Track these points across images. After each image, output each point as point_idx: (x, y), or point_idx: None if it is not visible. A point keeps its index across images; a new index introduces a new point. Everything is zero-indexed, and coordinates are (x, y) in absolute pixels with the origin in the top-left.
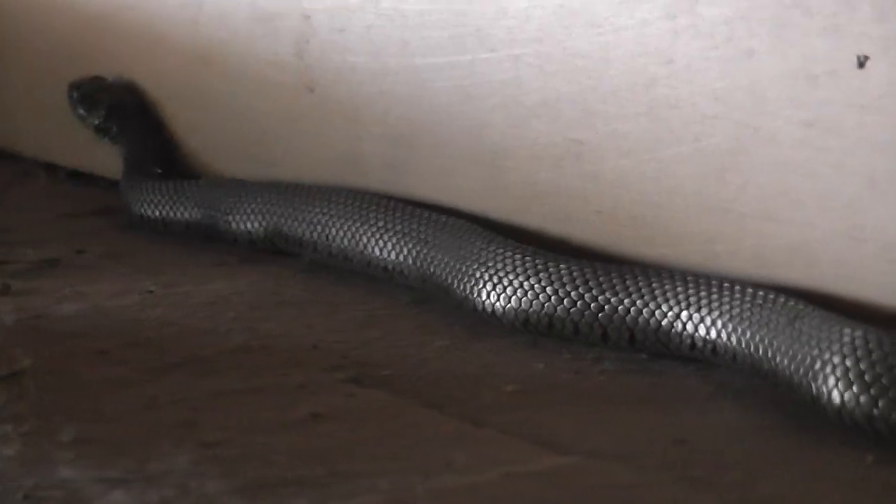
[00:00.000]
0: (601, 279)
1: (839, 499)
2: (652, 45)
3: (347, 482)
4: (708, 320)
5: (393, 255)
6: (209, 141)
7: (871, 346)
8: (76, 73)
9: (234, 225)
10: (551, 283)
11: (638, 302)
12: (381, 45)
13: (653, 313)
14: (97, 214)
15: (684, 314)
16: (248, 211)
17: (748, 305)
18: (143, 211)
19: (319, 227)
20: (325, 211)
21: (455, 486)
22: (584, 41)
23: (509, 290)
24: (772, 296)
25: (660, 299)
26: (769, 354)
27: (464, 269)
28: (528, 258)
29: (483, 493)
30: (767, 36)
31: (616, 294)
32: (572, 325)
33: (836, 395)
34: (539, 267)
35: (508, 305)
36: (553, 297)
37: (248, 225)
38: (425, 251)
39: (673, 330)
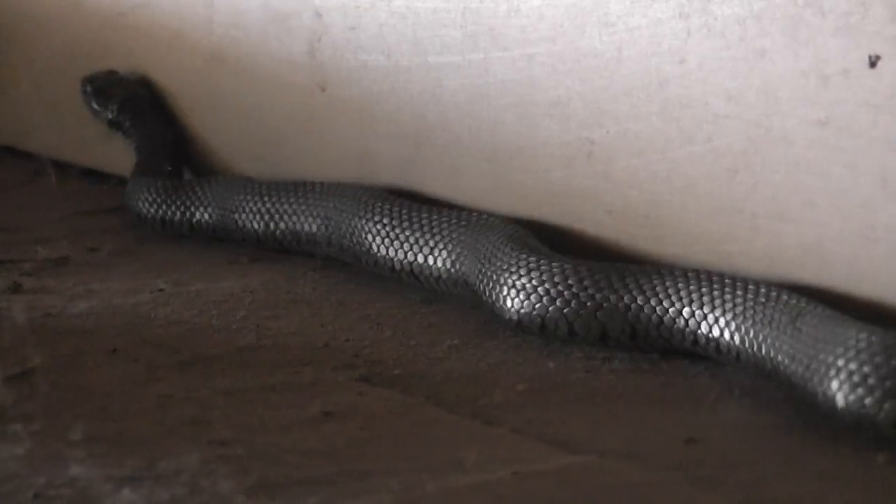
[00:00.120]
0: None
1: (849, 499)
2: (664, 45)
3: (358, 481)
4: (711, 317)
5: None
6: (222, 139)
7: (874, 348)
8: (90, 70)
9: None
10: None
11: (639, 299)
12: (394, 43)
13: (654, 310)
14: (109, 212)
15: (686, 311)
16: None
17: (751, 302)
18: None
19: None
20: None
21: (465, 484)
22: (596, 40)
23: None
24: (774, 292)
25: (661, 296)
26: (771, 353)
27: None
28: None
29: (493, 491)
30: (780, 35)
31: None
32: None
33: (838, 398)
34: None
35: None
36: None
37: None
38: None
39: (675, 327)
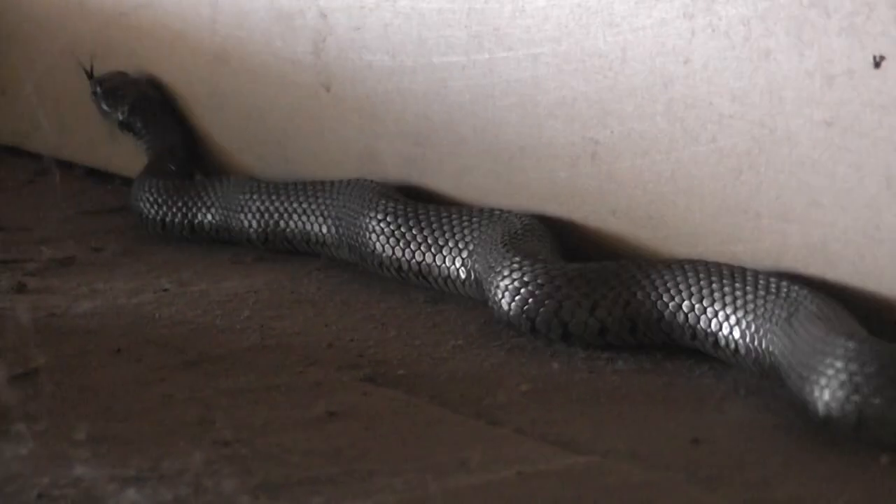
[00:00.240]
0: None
1: (852, 500)
2: (669, 45)
3: (362, 481)
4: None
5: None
6: (226, 139)
7: (864, 357)
8: (94, 70)
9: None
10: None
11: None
12: (399, 43)
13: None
14: (113, 212)
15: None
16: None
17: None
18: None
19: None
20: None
21: (469, 485)
22: (601, 40)
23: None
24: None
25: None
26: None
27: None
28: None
29: (498, 492)
30: (785, 36)
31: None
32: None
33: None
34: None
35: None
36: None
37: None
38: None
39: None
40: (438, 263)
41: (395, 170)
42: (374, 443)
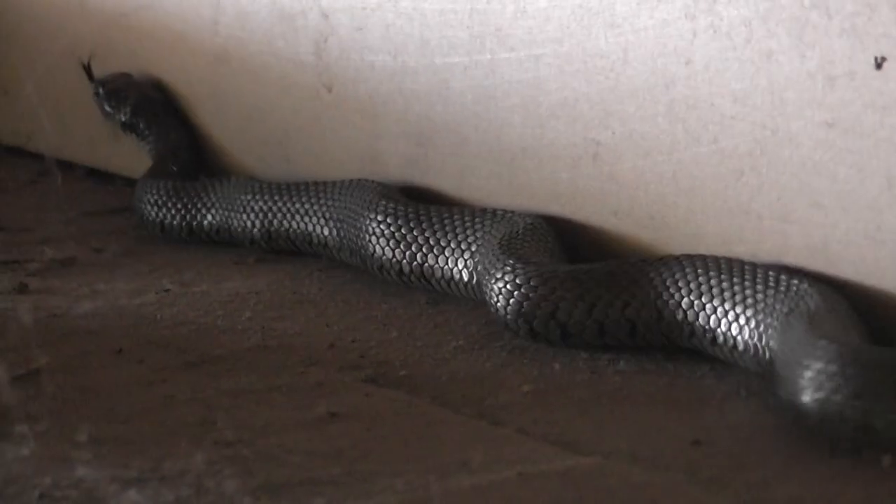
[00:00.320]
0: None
1: (854, 501)
2: (671, 46)
3: (364, 482)
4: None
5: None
6: (228, 139)
7: (828, 355)
8: (95, 71)
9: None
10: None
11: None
12: (401, 44)
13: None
14: (115, 213)
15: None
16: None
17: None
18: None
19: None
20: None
21: (471, 485)
22: (603, 41)
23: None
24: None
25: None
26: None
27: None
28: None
29: (499, 492)
30: (786, 37)
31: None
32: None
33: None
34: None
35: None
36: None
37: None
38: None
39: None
40: (441, 265)
41: (396, 170)
42: (375, 443)
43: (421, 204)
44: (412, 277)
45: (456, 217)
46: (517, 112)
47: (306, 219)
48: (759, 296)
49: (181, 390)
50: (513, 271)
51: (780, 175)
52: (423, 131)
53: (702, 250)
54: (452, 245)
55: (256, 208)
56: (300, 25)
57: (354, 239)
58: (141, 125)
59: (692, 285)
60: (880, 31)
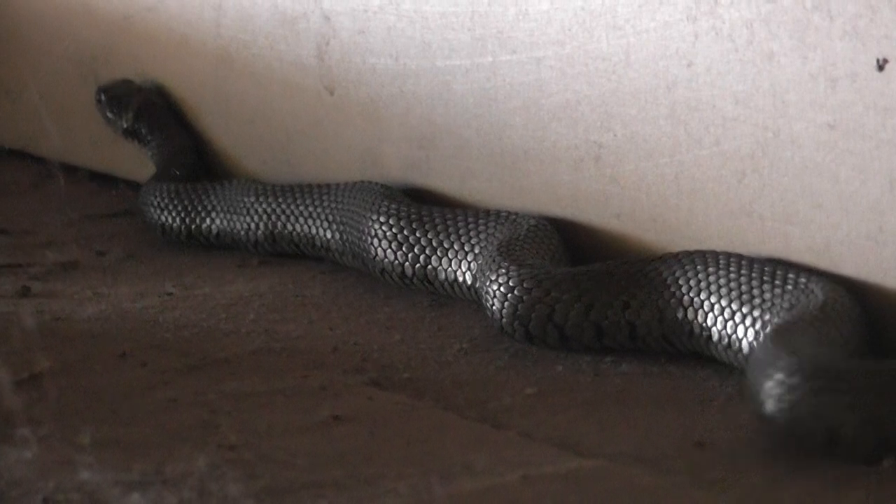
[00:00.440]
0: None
1: (858, 503)
2: (672, 48)
3: (367, 485)
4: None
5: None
6: (230, 142)
7: (788, 366)
8: (98, 74)
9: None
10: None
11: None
12: (402, 46)
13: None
14: (118, 216)
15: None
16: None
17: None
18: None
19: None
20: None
21: (474, 488)
22: (604, 44)
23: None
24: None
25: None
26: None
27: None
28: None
29: (503, 495)
30: (788, 39)
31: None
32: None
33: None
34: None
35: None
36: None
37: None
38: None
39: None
40: (444, 267)
41: (398, 173)
42: (378, 446)
43: (424, 205)
44: (415, 280)
45: (459, 219)
46: (519, 114)
47: (309, 221)
48: (766, 294)
49: (184, 393)
50: (506, 274)
51: (781, 177)
52: (425, 134)
53: None
54: (455, 247)
55: (260, 210)
56: (302, 28)
57: (357, 241)
58: (143, 131)
59: (692, 282)
60: (882, 33)
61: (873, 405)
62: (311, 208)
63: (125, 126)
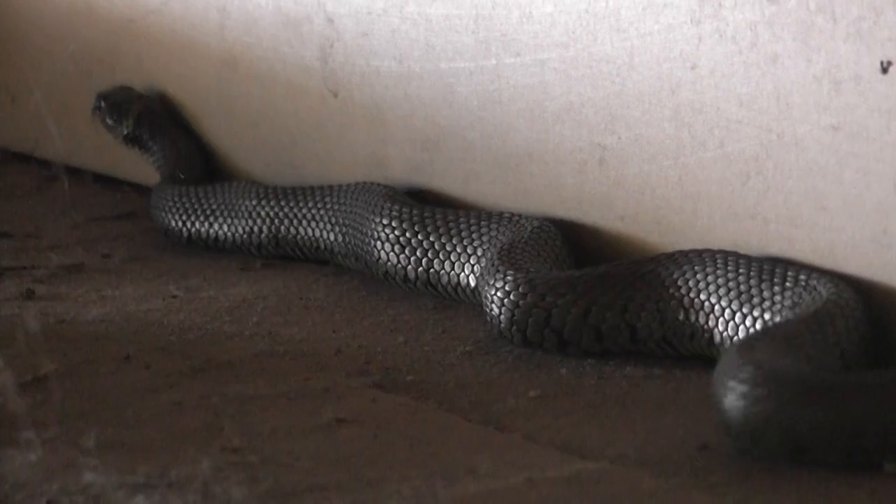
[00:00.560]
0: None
1: None
2: (677, 50)
3: (371, 488)
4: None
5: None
6: (234, 144)
7: (742, 373)
8: (102, 76)
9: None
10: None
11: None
12: (406, 49)
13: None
14: (122, 219)
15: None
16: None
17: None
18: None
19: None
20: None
21: (478, 491)
22: (609, 46)
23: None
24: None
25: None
26: None
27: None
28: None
29: (506, 498)
30: (792, 41)
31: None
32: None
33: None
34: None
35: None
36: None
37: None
38: None
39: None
40: (447, 270)
41: (402, 175)
42: (382, 449)
43: (427, 206)
44: (418, 283)
45: (462, 221)
46: (523, 117)
47: (312, 224)
48: (766, 293)
49: (188, 396)
50: (503, 279)
51: (786, 179)
52: (429, 136)
53: None
54: (458, 250)
55: (263, 214)
56: (306, 31)
57: (360, 243)
58: (144, 137)
59: (690, 283)
60: (886, 36)
61: (833, 415)
62: (314, 211)
63: (125, 132)
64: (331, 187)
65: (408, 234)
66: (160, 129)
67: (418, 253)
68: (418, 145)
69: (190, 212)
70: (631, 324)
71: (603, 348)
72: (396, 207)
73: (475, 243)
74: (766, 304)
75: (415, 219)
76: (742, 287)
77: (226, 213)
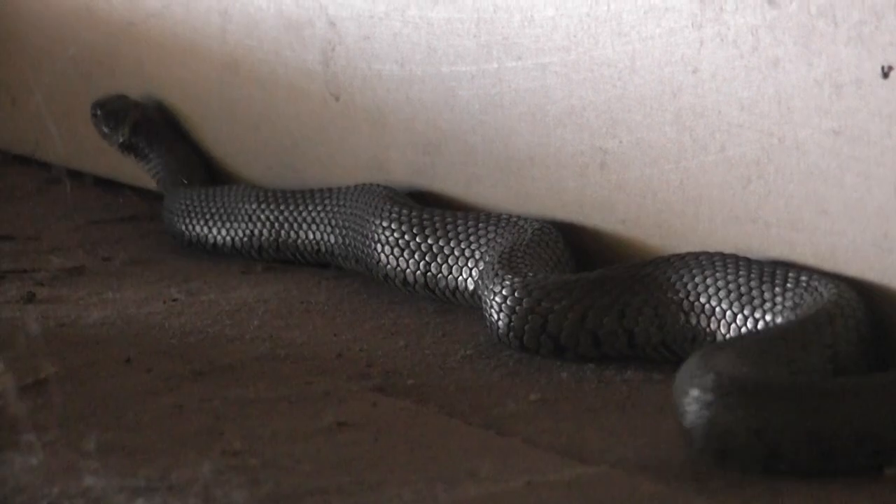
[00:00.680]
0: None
1: None
2: (678, 54)
3: (372, 491)
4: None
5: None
6: (237, 148)
7: (703, 380)
8: (102, 79)
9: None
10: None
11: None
12: (408, 52)
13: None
14: (123, 222)
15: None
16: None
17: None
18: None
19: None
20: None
21: (479, 495)
22: (610, 50)
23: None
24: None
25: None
26: None
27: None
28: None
29: (506, 502)
30: (793, 45)
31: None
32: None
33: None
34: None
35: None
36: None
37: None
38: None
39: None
40: (445, 274)
41: (403, 179)
42: (383, 453)
43: (427, 208)
44: (417, 286)
45: (461, 223)
46: (524, 120)
47: (313, 227)
48: (767, 294)
49: (189, 399)
50: (500, 284)
51: (787, 183)
52: (431, 140)
53: None
54: (456, 253)
55: (263, 217)
56: (307, 34)
57: (360, 245)
58: (141, 145)
59: (689, 286)
60: (887, 40)
61: (792, 420)
62: (314, 213)
63: (121, 140)
64: (331, 190)
65: (407, 237)
66: (157, 138)
67: (416, 256)
68: (420, 149)
69: (194, 214)
70: (628, 329)
71: (601, 353)
72: (396, 209)
73: (474, 246)
74: (768, 305)
75: (414, 221)
76: (742, 288)
77: (225, 217)
